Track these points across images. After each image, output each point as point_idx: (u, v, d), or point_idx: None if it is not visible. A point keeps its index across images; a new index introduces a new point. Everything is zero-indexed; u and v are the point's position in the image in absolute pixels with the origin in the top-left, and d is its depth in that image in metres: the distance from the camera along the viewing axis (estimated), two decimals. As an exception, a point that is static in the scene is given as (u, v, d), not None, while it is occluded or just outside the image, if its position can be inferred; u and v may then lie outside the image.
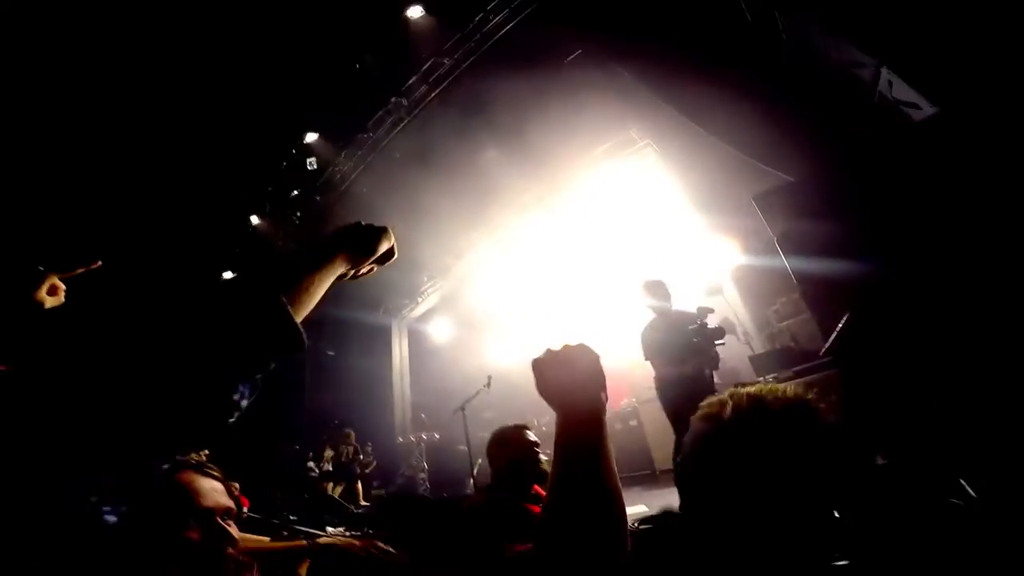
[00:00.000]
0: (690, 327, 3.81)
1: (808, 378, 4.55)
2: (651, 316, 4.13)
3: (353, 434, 8.04)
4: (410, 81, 6.98)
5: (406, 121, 7.32)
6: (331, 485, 7.16)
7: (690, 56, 4.67)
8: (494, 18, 6.42)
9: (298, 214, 9.41)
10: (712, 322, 6.36)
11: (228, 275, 10.02)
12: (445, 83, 7.01)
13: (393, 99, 7.14)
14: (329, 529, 4.67)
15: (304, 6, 5.95)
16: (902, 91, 3.60)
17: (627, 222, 8.59)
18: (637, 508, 4.33)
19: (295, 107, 7.01)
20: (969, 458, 2.31)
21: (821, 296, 4.57)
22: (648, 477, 5.70)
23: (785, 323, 5.52)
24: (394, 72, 6.93)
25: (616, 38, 5.43)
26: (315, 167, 7.86)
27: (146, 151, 6.81)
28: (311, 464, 7.20)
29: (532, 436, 2.41)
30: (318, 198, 8.98)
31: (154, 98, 6.37)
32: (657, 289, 4.12)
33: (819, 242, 3.90)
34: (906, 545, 1.98)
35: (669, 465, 6.02)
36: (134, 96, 6.31)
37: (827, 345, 4.24)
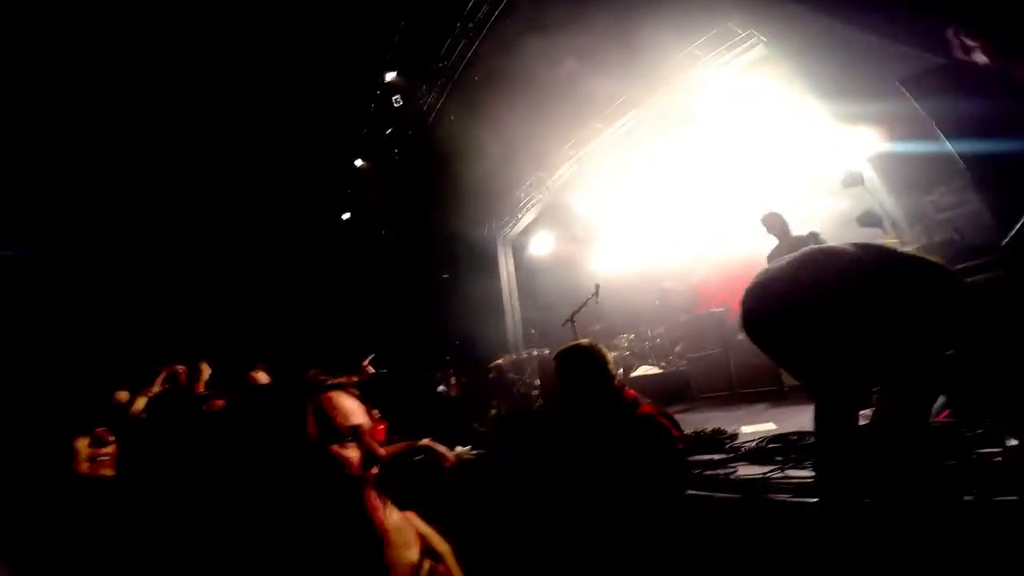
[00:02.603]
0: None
1: (975, 278, 3.89)
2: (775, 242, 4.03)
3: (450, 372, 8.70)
4: (471, 3, 6.56)
5: (476, 43, 6.90)
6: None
7: None
8: None
9: (396, 150, 9.72)
10: (855, 212, 5.58)
11: (346, 216, 11.01)
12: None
13: (459, 24, 6.76)
14: (458, 448, 5.15)
15: None
16: None
17: (735, 119, 7.49)
18: (766, 425, 4.22)
19: (369, 49, 6.94)
20: None
21: (996, 181, 3.72)
22: (775, 393, 5.40)
23: (945, 214, 4.65)
24: None
25: None
26: (401, 103, 7.90)
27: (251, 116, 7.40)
28: (441, 388, 8.08)
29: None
30: (410, 132, 9.13)
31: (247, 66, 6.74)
32: (775, 221, 4.69)
33: (991, 122, 3.09)
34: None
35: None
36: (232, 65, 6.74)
37: (1010, 235, 3.50)
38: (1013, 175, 3.52)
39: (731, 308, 6.17)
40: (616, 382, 2.31)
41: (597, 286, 6.39)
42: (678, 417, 2.42)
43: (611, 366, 2.30)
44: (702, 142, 8.19)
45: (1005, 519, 1.90)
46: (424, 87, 7.73)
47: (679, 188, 8.94)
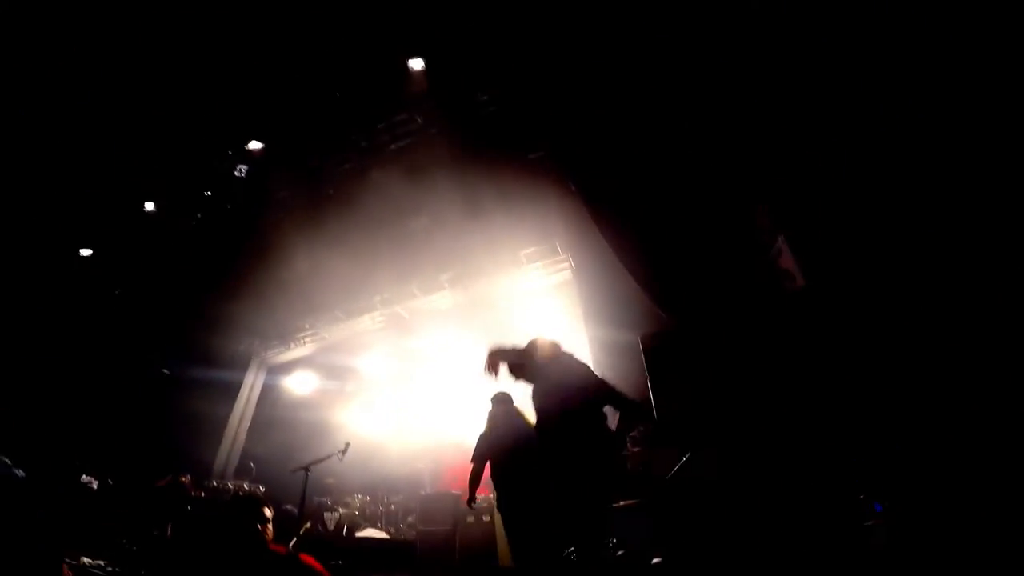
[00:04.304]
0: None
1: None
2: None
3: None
4: (378, 126, 7.10)
5: (353, 162, 7.40)
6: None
7: (637, 198, 5.33)
8: (482, 97, 6.78)
9: (199, 215, 8.72)
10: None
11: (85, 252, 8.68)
12: (407, 141, 7.20)
13: (353, 136, 7.21)
14: (85, 559, 3.99)
15: (305, 27, 6.03)
16: (787, 261, 4.12)
17: (528, 327, 9.10)
18: None
19: (245, 111, 6.82)
20: None
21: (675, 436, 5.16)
22: (492, 570, 5.64)
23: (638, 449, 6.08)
24: (367, 110, 6.95)
25: (579, 160, 6.00)
26: (242, 175, 7.55)
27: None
28: (85, 478, 5.97)
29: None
30: (229, 206, 8.46)
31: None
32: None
33: (683, 393, 4.48)
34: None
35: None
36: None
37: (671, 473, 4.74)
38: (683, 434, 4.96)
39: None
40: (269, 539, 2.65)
41: (347, 444, 6.23)
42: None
43: (263, 523, 2.66)
44: (497, 338, 9.36)
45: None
46: (280, 172, 7.60)
47: (458, 376, 9.70)
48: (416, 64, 6.46)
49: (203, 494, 6.73)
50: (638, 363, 5.15)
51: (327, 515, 7.02)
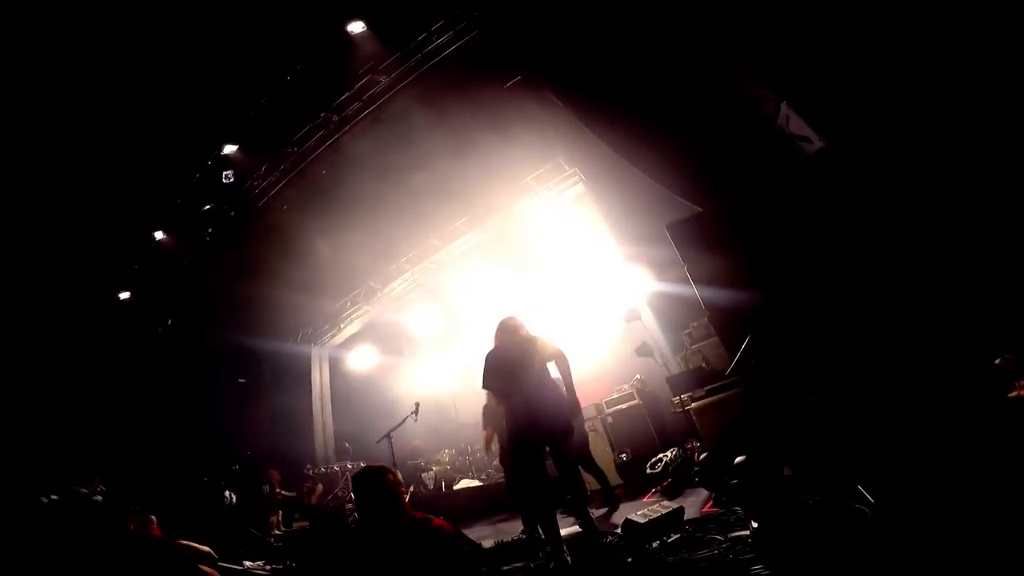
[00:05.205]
0: None
1: (719, 396, 4.94)
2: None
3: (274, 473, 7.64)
4: (343, 96, 6.79)
5: (335, 137, 7.11)
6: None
7: (621, 93, 4.98)
8: (437, 39, 6.36)
9: (209, 230, 8.75)
10: (633, 344, 6.80)
11: (124, 295, 9.02)
12: (379, 102, 6.88)
13: (323, 114, 6.91)
14: (247, 563, 4.48)
15: (237, 10, 5.65)
16: (798, 125, 4.04)
17: (554, 249, 8.90)
18: (571, 529, 4.35)
19: (216, 114, 6.58)
20: (867, 466, 2.62)
21: (726, 321, 5.01)
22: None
23: (697, 345, 5.93)
24: (327, 86, 6.72)
25: (554, 70, 5.65)
26: (231, 181, 7.38)
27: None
28: (227, 494, 6.67)
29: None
30: (232, 213, 8.42)
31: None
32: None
33: (723, 271, 4.29)
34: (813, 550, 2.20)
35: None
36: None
37: (732, 365, 4.64)
38: (734, 317, 4.82)
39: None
40: (405, 503, 2.61)
41: (417, 405, 6.51)
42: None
43: (398, 489, 2.58)
44: (526, 269, 9.31)
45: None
46: (264, 168, 7.40)
47: (501, 311, 9.72)
48: (356, 27, 6.17)
49: (308, 483, 7.33)
50: (670, 253, 5.02)
51: (424, 475, 7.54)
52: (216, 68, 6.03)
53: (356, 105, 6.92)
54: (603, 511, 4.95)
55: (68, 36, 5.55)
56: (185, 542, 3.15)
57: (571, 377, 3.82)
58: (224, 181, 7.31)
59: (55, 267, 7.39)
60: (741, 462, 3.31)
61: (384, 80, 6.71)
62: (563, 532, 4.33)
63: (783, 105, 4.12)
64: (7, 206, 6.68)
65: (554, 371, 3.94)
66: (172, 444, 8.18)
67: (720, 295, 4.82)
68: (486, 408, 5.21)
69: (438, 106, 6.66)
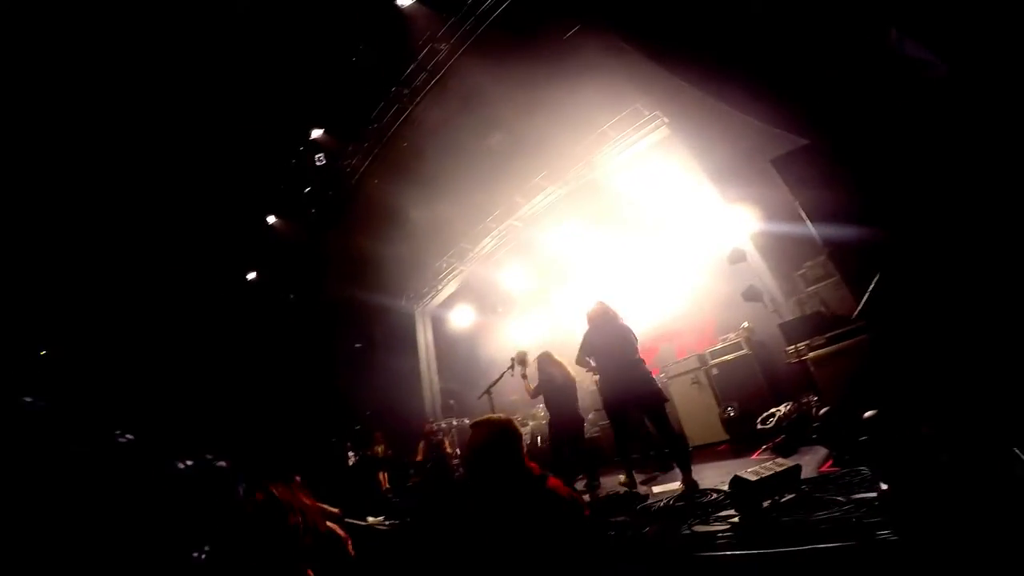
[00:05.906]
0: None
1: (842, 344, 4.39)
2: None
3: (379, 434, 8.37)
4: (409, 69, 6.91)
5: (409, 110, 7.23)
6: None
7: (699, 26, 4.37)
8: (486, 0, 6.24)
9: (313, 210, 9.51)
10: (738, 288, 6.30)
11: (251, 276, 10.27)
12: (444, 69, 6.90)
13: (394, 88, 7.07)
14: (370, 518, 4.94)
15: (294, 4, 5.89)
16: (914, 48, 3.30)
17: (641, 195, 8.36)
18: (672, 485, 4.34)
19: (298, 104, 7.01)
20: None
21: (849, 258, 4.36)
22: None
23: (814, 287, 5.30)
24: (393, 62, 6.88)
25: (619, 14, 5.16)
26: (324, 163, 7.88)
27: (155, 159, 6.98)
28: (351, 454, 7.50)
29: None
30: (330, 192, 9.04)
31: (155, 103, 6.46)
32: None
33: (842, 204, 3.68)
34: (960, 520, 1.88)
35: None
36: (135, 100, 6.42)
37: (859, 308, 4.05)
38: (859, 253, 4.16)
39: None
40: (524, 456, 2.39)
41: (512, 359, 6.50)
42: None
43: (521, 442, 2.37)
44: (614, 218, 8.93)
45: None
46: (350, 148, 7.80)
47: (591, 262, 9.52)
48: (406, 1, 6.43)
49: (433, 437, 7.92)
50: (775, 190, 4.49)
51: (521, 429, 7.72)
52: (288, 58, 6.31)
53: (423, 76, 7.03)
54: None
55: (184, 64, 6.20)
56: (322, 506, 3.52)
57: None
58: (317, 164, 7.79)
59: (195, 257, 8.53)
60: (871, 417, 2.93)
61: (444, 47, 6.77)
62: (665, 488, 4.30)
63: (892, 32, 3.41)
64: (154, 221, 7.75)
65: None
66: (302, 409, 9.34)
67: (841, 230, 4.19)
68: (538, 387, 5.86)
69: (501, 66, 6.50)
